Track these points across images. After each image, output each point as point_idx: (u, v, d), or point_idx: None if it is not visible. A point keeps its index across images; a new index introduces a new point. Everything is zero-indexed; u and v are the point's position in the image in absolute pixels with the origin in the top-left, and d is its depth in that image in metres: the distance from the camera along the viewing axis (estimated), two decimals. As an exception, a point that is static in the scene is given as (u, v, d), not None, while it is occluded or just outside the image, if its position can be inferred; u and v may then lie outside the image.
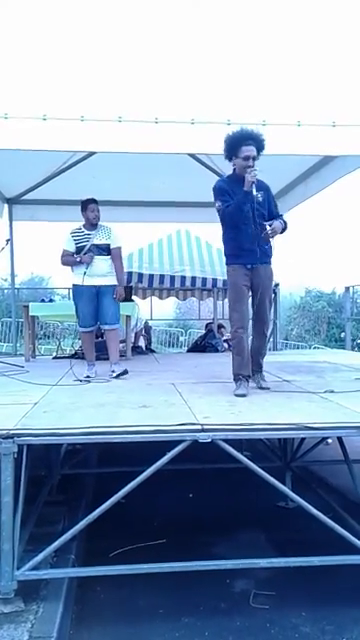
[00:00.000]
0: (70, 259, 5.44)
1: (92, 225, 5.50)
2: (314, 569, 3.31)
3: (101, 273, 5.41)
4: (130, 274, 9.11)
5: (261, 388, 4.52)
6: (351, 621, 3.10)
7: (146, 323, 11.06)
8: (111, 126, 4.97)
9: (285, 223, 4.45)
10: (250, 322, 4.63)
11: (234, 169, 4.45)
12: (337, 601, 3.31)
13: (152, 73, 5.55)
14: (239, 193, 4.25)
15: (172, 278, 9.50)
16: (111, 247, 5.48)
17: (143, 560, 3.27)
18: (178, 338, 20.11)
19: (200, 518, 4.63)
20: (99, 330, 5.95)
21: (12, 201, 8.73)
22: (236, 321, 4.45)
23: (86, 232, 5.49)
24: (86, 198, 5.55)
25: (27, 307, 7.23)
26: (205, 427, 3.15)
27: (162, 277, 9.41)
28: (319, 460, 5.14)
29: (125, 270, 9.98)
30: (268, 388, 4.51)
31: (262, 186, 4.41)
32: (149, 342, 10.69)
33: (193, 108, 5.15)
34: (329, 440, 4.71)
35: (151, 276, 9.41)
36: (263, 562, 3.25)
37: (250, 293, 4.47)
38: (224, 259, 10.26)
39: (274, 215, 4.47)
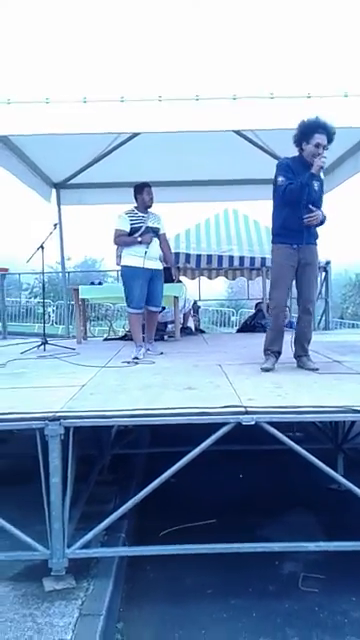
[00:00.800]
0: (128, 239, 5.47)
1: (145, 208, 5.60)
2: (364, 553, 3.25)
3: (156, 256, 5.58)
4: (178, 255, 9.09)
5: (310, 369, 4.48)
6: None
7: (195, 304, 11.04)
8: (151, 106, 4.94)
9: (325, 217, 4.52)
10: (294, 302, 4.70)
11: (300, 153, 4.46)
12: (389, 586, 3.24)
13: (191, 50, 5.45)
14: (301, 174, 4.33)
15: (220, 258, 9.43)
16: (160, 232, 5.63)
17: (192, 540, 3.29)
18: (229, 318, 20.03)
19: (250, 499, 4.61)
20: None
21: (59, 186, 8.83)
22: (275, 299, 4.62)
23: (140, 214, 5.56)
24: (140, 182, 5.66)
25: (77, 290, 7.33)
26: (249, 409, 3.11)
27: (210, 257, 9.36)
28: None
29: (173, 251, 10.03)
30: (317, 369, 4.47)
31: (319, 178, 4.52)
32: (198, 322, 10.67)
33: (234, 84, 5.04)
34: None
35: (199, 256, 9.36)
36: (312, 546, 3.21)
37: (294, 273, 4.54)
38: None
39: (319, 207, 4.52)
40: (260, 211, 11.09)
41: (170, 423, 3.17)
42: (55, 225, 6.53)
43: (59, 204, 8.92)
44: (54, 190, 8.85)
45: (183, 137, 6.23)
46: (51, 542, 3.02)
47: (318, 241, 4.64)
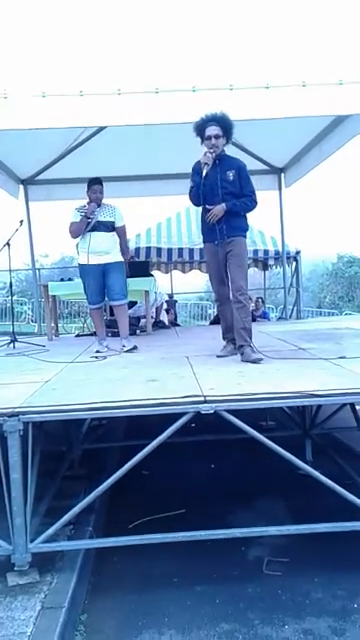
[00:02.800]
0: (77, 224, 5.38)
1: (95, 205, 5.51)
2: (329, 536, 3.30)
3: (105, 250, 5.41)
4: (149, 249, 9.07)
5: (252, 361, 4.32)
6: (363, 586, 3.09)
7: (171, 298, 11.05)
8: (111, 99, 4.91)
9: (245, 203, 4.56)
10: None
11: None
12: (350, 567, 3.30)
13: (150, 42, 5.44)
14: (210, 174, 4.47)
15: (191, 251, 9.44)
16: (116, 225, 5.51)
17: (163, 531, 3.31)
18: (207, 310, 20.09)
19: (221, 488, 4.67)
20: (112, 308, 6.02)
21: (27, 182, 8.75)
22: (214, 293, 4.97)
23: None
24: (92, 178, 5.56)
25: (46, 287, 7.29)
26: (208, 399, 3.14)
27: (181, 250, 9.37)
28: (339, 427, 5.09)
29: (143, 245, 10.00)
30: (260, 359, 4.33)
31: (233, 165, 4.58)
32: (175, 317, 10.68)
33: (194, 76, 5.04)
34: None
35: (170, 250, 9.37)
36: (272, 530, 3.26)
37: (224, 266, 4.63)
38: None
39: (245, 193, 4.57)
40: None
41: (129, 415, 3.19)
42: (21, 222, 6.46)
43: (27, 201, 8.83)
44: (21, 186, 8.77)
45: (149, 130, 6.24)
46: (13, 538, 3.02)
47: (248, 233, 4.77)
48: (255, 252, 9.80)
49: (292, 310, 9.59)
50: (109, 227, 5.45)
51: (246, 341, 4.50)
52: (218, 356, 4.71)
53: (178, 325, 10.17)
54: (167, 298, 10.49)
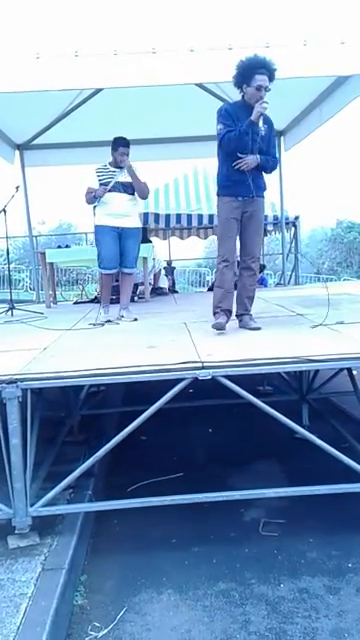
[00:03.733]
0: (89, 195, 5.19)
1: (117, 167, 5.25)
2: (325, 498, 3.36)
3: (125, 213, 5.22)
4: (146, 215, 8.97)
5: (252, 329, 4.27)
6: (358, 546, 3.16)
7: (169, 264, 11.00)
8: (107, 60, 4.79)
9: (271, 163, 4.29)
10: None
11: (242, 96, 4.20)
12: (345, 528, 3.37)
13: (147, 1, 5.28)
14: (244, 120, 4.06)
15: (189, 217, 9.35)
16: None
17: (161, 494, 3.36)
18: (205, 278, 20.05)
19: (218, 452, 4.74)
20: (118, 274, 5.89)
21: (23, 147, 8.61)
22: (221, 255, 4.34)
23: (111, 169, 5.24)
24: (117, 137, 5.28)
25: (44, 254, 7.24)
26: (205, 364, 3.15)
27: (179, 216, 9.28)
28: (336, 392, 5.12)
29: (141, 211, 9.90)
30: (259, 328, 4.28)
31: (267, 121, 4.24)
32: (173, 283, 10.65)
33: (192, 35, 4.91)
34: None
35: (167, 216, 9.28)
36: (270, 492, 3.31)
37: (239, 227, 4.31)
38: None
39: (269, 153, 4.30)
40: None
41: (127, 381, 3.21)
42: (17, 188, 6.37)
43: (23, 166, 8.70)
44: (17, 151, 8.63)
45: (146, 93, 6.11)
46: (13, 501, 3.07)
47: (266, 193, 4.43)
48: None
49: (290, 276, 9.56)
50: (130, 189, 5.23)
51: (247, 310, 4.42)
52: (215, 327, 4.24)
53: (176, 292, 10.15)
54: (165, 265, 10.45)
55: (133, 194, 5.26)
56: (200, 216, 9.37)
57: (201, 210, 9.31)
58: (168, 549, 3.27)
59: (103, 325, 5.11)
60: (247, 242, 4.36)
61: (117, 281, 6.09)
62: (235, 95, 7.00)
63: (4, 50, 4.80)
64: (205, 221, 9.53)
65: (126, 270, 5.44)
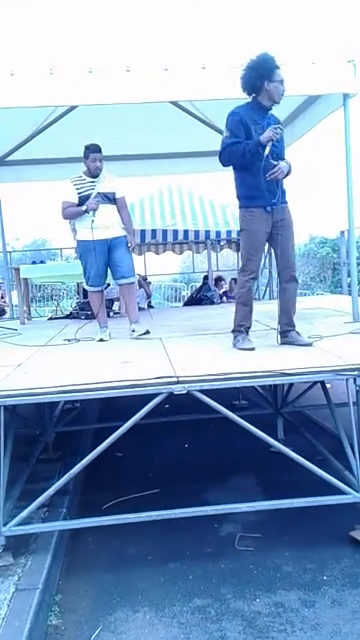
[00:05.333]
0: (74, 210, 4.89)
1: (93, 176, 4.96)
2: (300, 511, 3.39)
3: (110, 223, 4.90)
4: (122, 231, 8.98)
5: (304, 345, 3.99)
6: (332, 559, 3.18)
7: (144, 279, 11.00)
8: (82, 78, 4.83)
9: (290, 166, 4.02)
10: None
11: (253, 97, 3.95)
12: (320, 541, 3.39)
13: (121, 21, 5.36)
14: (260, 123, 3.84)
15: (165, 232, 9.41)
16: (117, 196, 4.97)
17: (136, 510, 3.34)
18: (181, 293, 20.10)
19: (195, 467, 4.73)
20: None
21: (-3, 163, 8.58)
22: (250, 271, 4.05)
23: (89, 179, 4.94)
24: (89, 144, 5.02)
25: (18, 270, 7.19)
26: (180, 379, 3.16)
27: (154, 232, 9.32)
28: (310, 405, 5.17)
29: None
30: (310, 344, 4.00)
31: (278, 122, 4.03)
32: (149, 296, 10.65)
33: (167, 55, 4.99)
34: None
35: (143, 231, 9.32)
36: (244, 506, 3.31)
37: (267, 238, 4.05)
38: (217, 211, 10.07)
39: (282, 157, 4.03)
40: (205, 184, 11.14)
41: (102, 397, 3.20)
42: (-9, 203, 6.35)
43: (-3, 182, 8.68)
44: (-9, 167, 8.59)
45: (120, 110, 6.14)
46: (-14, 521, 3.02)
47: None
48: (229, 233, 9.80)
49: (265, 290, 9.64)
50: (111, 199, 4.94)
51: (293, 325, 4.16)
52: (244, 349, 3.97)
53: (152, 307, 10.15)
54: (140, 279, 10.45)
55: (113, 203, 4.97)
56: (175, 232, 9.43)
57: (176, 226, 9.37)
58: (144, 566, 3.25)
59: (78, 341, 5.07)
60: (284, 252, 4.03)
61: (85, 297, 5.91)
62: (209, 113, 7.12)
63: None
64: (180, 236, 9.60)
65: (123, 281, 5.03)
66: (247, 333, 4.15)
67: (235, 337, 4.13)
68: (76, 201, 4.90)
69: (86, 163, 5.00)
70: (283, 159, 4.02)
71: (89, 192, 4.88)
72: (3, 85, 4.82)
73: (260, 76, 3.84)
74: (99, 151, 4.99)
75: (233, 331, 4.18)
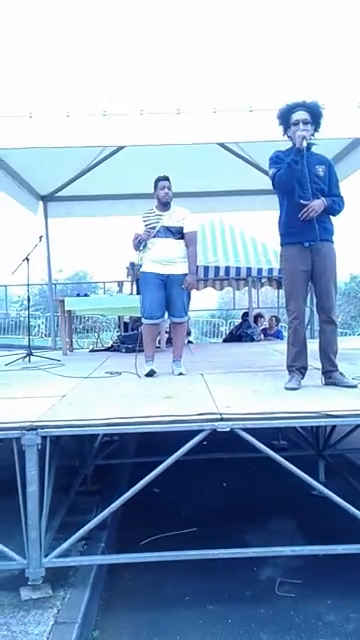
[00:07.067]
0: (135, 241, 4.94)
1: (163, 205, 5.01)
2: (343, 558, 3.29)
3: (169, 259, 4.87)
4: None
5: (348, 387, 3.95)
6: (377, 609, 3.07)
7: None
8: (133, 120, 5.03)
9: (338, 204, 4.05)
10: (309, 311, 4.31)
11: (292, 140, 4.02)
12: (364, 590, 3.27)
13: (172, 65, 5.58)
14: (299, 161, 3.87)
15: (206, 269, 9.52)
16: (185, 231, 4.94)
17: (173, 549, 3.31)
18: (219, 328, 20.11)
19: (233, 507, 4.66)
20: (139, 322, 5.68)
21: (47, 198, 8.90)
22: (292, 311, 4.08)
23: (157, 212, 4.99)
24: (158, 176, 5.09)
25: (63, 302, 7.37)
26: (224, 416, 3.15)
27: (196, 268, 9.43)
28: (353, 448, 5.06)
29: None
30: (355, 385, 3.93)
31: (323, 161, 4.09)
32: (188, 333, 10.71)
33: (214, 97, 5.15)
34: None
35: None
36: (287, 550, 3.25)
37: (309, 278, 4.04)
38: (259, 248, 10.18)
39: (333, 194, 4.05)
40: (246, 222, 11.26)
41: (145, 431, 3.21)
42: (40, 237, 6.56)
43: (46, 217, 8.98)
44: (41, 202, 8.91)
45: (167, 150, 6.34)
46: (28, 552, 3.04)
47: (335, 237, 4.09)
48: (270, 271, 9.86)
49: (306, 329, 9.60)
50: (176, 233, 4.92)
51: (335, 365, 4.11)
52: (289, 388, 3.98)
53: (191, 342, 10.19)
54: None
55: (180, 238, 4.94)
56: (217, 268, 9.55)
57: (218, 262, 9.50)
58: (182, 607, 3.19)
59: (120, 374, 5.13)
60: (322, 292, 4.02)
61: (137, 329, 5.93)
62: (255, 154, 7.26)
63: (36, 108, 5.06)
64: (222, 273, 9.70)
65: (175, 319, 5.10)
66: (302, 374, 4.12)
67: (289, 375, 4.14)
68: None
69: (155, 193, 5.03)
70: (337, 195, 4.06)
71: (154, 225, 4.92)
72: (59, 126, 5.05)
73: (284, 122, 4.01)
74: (167, 179, 5.02)
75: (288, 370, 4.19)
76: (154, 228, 4.88)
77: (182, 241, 4.94)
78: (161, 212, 4.98)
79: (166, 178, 5.01)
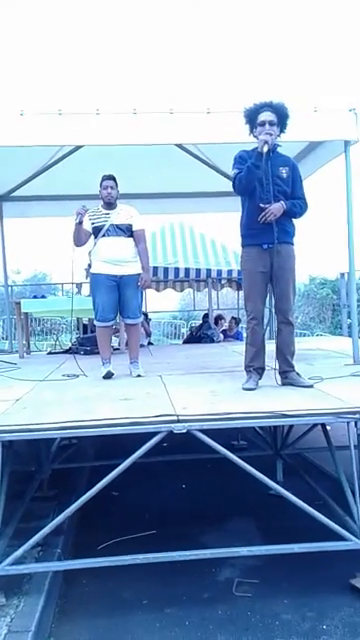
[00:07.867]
0: (75, 231, 4.78)
1: (108, 204, 4.90)
2: (299, 557, 3.32)
3: (122, 259, 4.77)
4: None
5: (304, 386, 3.99)
6: (332, 608, 3.10)
7: (145, 315, 11.03)
8: (90, 119, 4.95)
9: (300, 206, 4.06)
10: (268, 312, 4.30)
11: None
12: (319, 588, 3.31)
13: (128, 65, 5.54)
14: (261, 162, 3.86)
15: (166, 270, 9.50)
16: (134, 228, 4.85)
17: (131, 552, 3.27)
18: (180, 330, 20.14)
19: (192, 509, 4.65)
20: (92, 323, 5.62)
21: (2, 198, 8.71)
22: (249, 312, 4.10)
23: (104, 211, 4.89)
24: (103, 174, 4.98)
25: (19, 304, 7.22)
26: (181, 418, 3.14)
27: (155, 269, 9.40)
28: (310, 447, 5.12)
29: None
30: (311, 385, 3.99)
31: (288, 162, 4.08)
32: (149, 334, 10.66)
33: (172, 98, 5.13)
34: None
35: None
36: (244, 550, 3.25)
37: (268, 279, 4.04)
38: (218, 249, 10.21)
39: (296, 196, 4.05)
40: (207, 224, 11.30)
41: (101, 434, 3.17)
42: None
43: (0, 217, 8.79)
44: (-5, 203, 8.72)
45: (125, 150, 6.29)
46: (-20, 560, 2.96)
47: (295, 239, 4.12)
48: (229, 272, 9.91)
49: (265, 330, 9.69)
50: (126, 231, 4.82)
51: (291, 366, 4.14)
52: (246, 389, 3.99)
53: (151, 344, 10.15)
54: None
55: (130, 236, 4.84)
56: (177, 269, 9.54)
57: (178, 264, 9.49)
58: (139, 611, 3.16)
59: (77, 377, 5.06)
60: (280, 294, 4.04)
61: (91, 331, 5.88)
62: (214, 156, 7.27)
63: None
64: (181, 274, 9.70)
65: (129, 321, 5.01)
66: (259, 374, 4.14)
67: (246, 376, 4.15)
68: (89, 230, 4.86)
69: (100, 193, 4.93)
70: (300, 197, 4.07)
71: (102, 224, 4.82)
72: (13, 125, 4.94)
73: (249, 122, 4.00)
74: (111, 179, 4.93)
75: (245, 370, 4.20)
76: (102, 227, 4.80)
77: (132, 239, 4.86)
78: (107, 210, 4.90)
79: (110, 177, 4.94)
